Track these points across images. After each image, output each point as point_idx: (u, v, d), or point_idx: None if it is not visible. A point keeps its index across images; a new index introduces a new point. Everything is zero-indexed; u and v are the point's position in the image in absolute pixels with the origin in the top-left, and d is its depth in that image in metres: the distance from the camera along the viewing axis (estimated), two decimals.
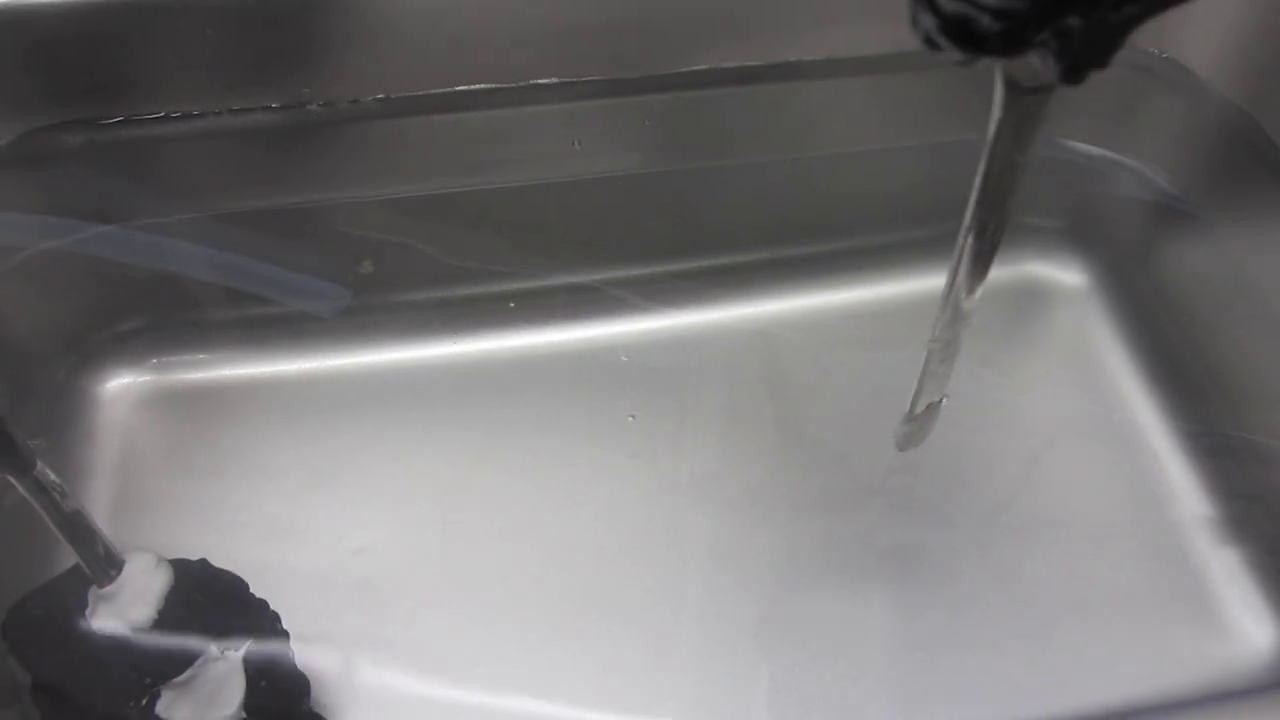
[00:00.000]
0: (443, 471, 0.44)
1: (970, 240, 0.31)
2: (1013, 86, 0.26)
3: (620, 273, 0.49)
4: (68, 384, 0.44)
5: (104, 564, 0.32)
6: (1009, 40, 0.22)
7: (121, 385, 0.45)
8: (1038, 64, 0.23)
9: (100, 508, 0.42)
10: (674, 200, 0.48)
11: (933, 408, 0.36)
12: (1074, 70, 0.23)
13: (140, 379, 0.45)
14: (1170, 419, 0.46)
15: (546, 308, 0.48)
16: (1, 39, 0.38)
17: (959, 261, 0.32)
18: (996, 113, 0.27)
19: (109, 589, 0.32)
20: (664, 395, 0.46)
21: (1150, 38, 0.45)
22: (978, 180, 0.29)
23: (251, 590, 0.36)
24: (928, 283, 0.49)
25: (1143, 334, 0.48)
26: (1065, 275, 0.50)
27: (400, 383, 0.46)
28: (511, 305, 0.48)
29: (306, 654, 0.36)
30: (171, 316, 0.46)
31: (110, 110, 0.41)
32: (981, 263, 0.32)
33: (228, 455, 0.43)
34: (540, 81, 0.43)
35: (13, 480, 0.30)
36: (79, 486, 0.42)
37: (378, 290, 0.47)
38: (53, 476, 0.30)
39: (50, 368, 0.44)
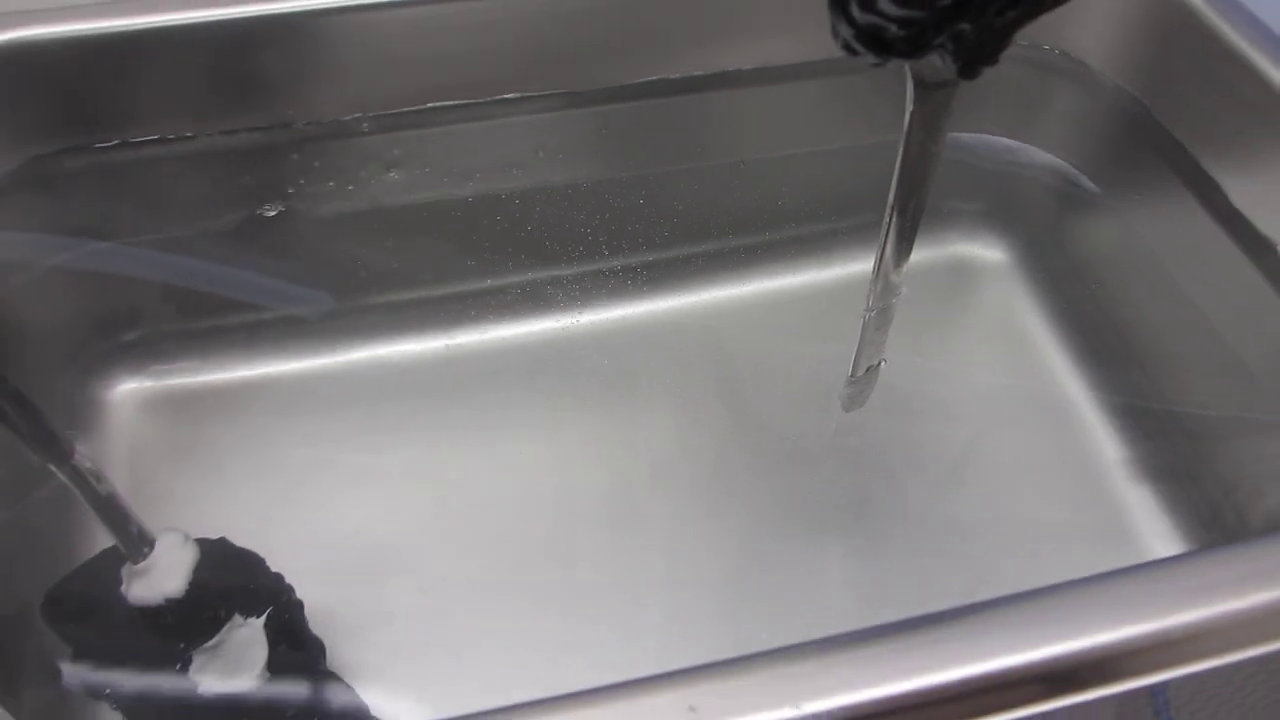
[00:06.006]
0: (428, 457, 0.47)
1: (894, 219, 0.34)
2: (920, 83, 0.30)
3: (581, 269, 0.52)
4: (75, 391, 0.47)
5: (137, 542, 0.35)
6: (912, 44, 0.26)
7: (126, 390, 0.48)
8: (939, 63, 0.27)
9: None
10: (628, 202, 0.52)
11: (872, 371, 0.40)
12: (969, 67, 0.27)
13: (143, 384, 0.48)
14: (1087, 378, 0.51)
15: (516, 304, 0.52)
16: (8, 71, 0.41)
17: (885, 239, 0.35)
18: (909, 106, 0.30)
19: (143, 565, 0.35)
20: (628, 379, 0.50)
21: (1049, 36, 0.49)
22: (897, 166, 0.32)
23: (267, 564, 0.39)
24: (861, 266, 0.53)
25: (1060, 304, 0.53)
26: (988, 253, 0.55)
27: (383, 378, 0.50)
28: (484, 303, 0.52)
29: (319, 621, 0.40)
30: (170, 326, 0.49)
31: (108, 135, 0.44)
32: (905, 239, 0.35)
33: (229, 451, 0.47)
34: (505, 96, 0.47)
35: (53, 468, 0.33)
36: None
37: (360, 293, 0.50)
38: (89, 464, 0.34)
39: (59, 376, 0.47)
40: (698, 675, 0.24)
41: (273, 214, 0.47)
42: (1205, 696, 0.30)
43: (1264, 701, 0.29)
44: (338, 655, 0.40)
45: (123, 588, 0.36)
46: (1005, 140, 0.53)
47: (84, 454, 0.33)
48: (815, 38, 0.46)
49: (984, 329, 0.53)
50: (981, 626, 0.25)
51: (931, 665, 0.24)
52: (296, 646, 0.38)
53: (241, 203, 0.47)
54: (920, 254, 0.51)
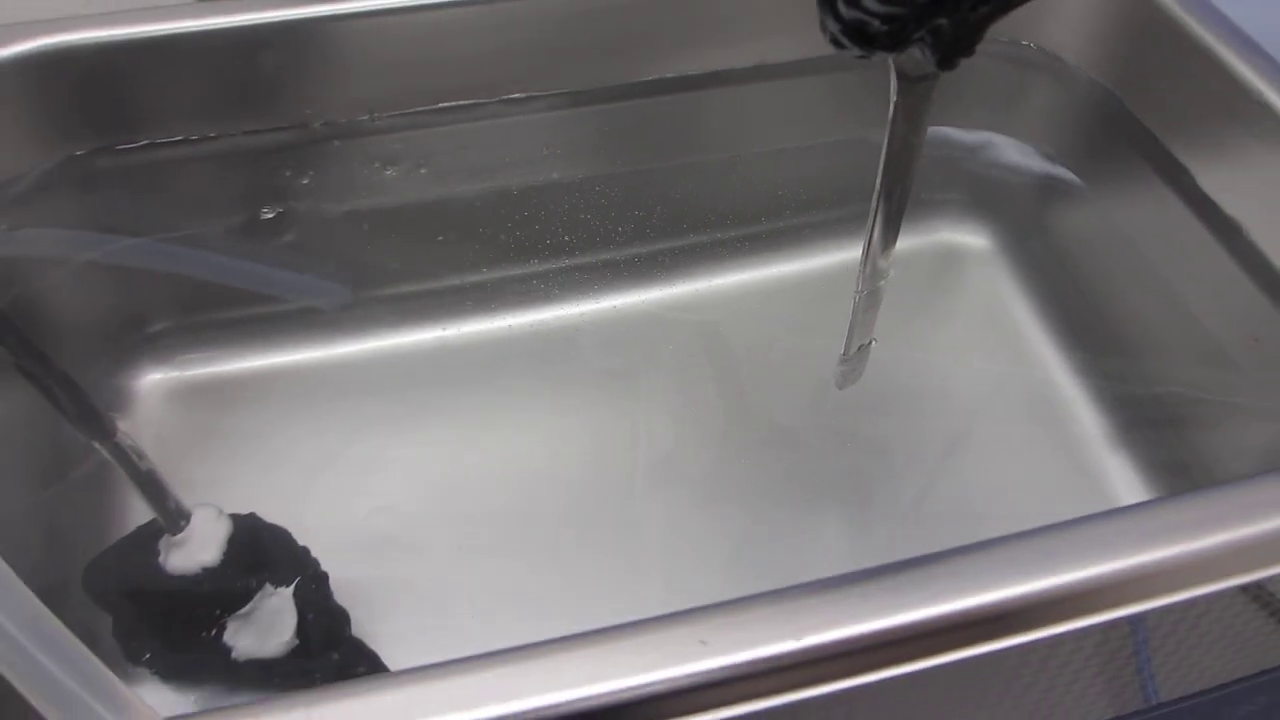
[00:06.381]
0: (439, 440, 0.50)
1: (880, 206, 0.36)
2: (903, 76, 0.32)
3: (584, 260, 0.55)
4: (106, 381, 0.49)
5: (175, 515, 0.37)
6: (894, 38, 0.28)
7: (153, 380, 0.50)
8: (919, 56, 0.30)
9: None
10: (630, 195, 0.54)
11: (863, 349, 0.42)
12: (946, 59, 0.29)
13: (169, 374, 0.50)
14: (1072, 361, 0.53)
15: (523, 294, 0.54)
16: (45, 75, 0.43)
17: (873, 225, 0.37)
18: (893, 98, 0.33)
19: (180, 536, 0.38)
20: (629, 364, 0.53)
21: (1026, 32, 0.51)
22: (883, 155, 0.34)
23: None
24: (850, 254, 0.56)
25: (1043, 288, 0.55)
26: (973, 240, 0.57)
27: (396, 366, 0.52)
28: (492, 294, 0.54)
29: (341, 592, 0.42)
30: (194, 318, 0.51)
31: (137, 136, 0.46)
32: (891, 225, 0.37)
33: (252, 437, 0.49)
34: (513, 96, 0.49)
35: (97, 445, 0.35)
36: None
37: (374, 285, 0.53)
38: (130, 442, 0.36)
39: (91, 366, 0.49)
40: (708, 612, 0.26)
41: (291, 210, 0.49)
42: (1178, 637, 0.32)
43: (1220, 633, 0.31)
44: (360, 623, 0.42)
45: (160, 559, 0.38)
46: (987, 132, 0.55)
47: (125, 433, 0.36)
48: (806, 37, 0.49)
49: (970, 313, 0.55)
50: (967, 566, 0.27)
51: (921, 601, 0.26)
52: (322, 614, 0.40)
53: (262, 200, 0.49)
54: (909, 242, 0.54)
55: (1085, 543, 0.27)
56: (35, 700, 0.22)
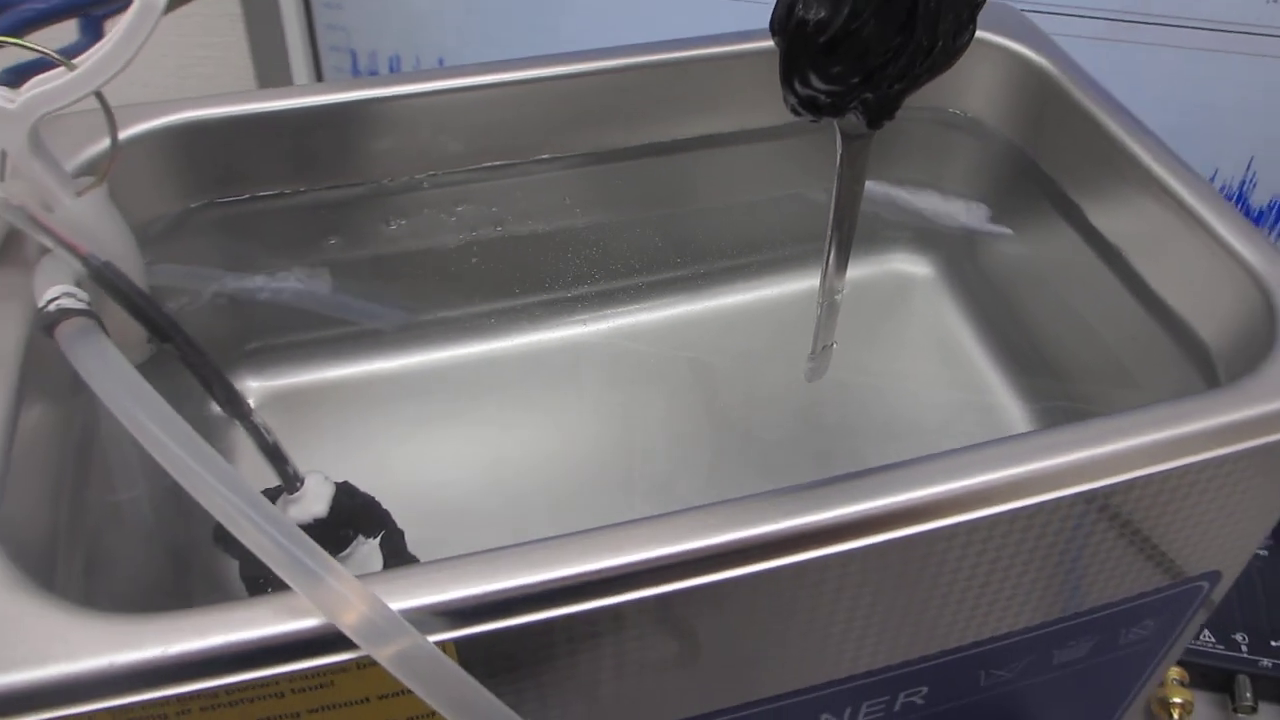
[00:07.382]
0: (484, 435, 0.60)
1: (834, 234, 0.46)
2: (845, 135, 0.42)
3: (599, 288, 0.65)
4: None
5: (293, 478, 0.47)
6: (835, 108, 0.37)
7: (252, 388, 0.61)
8: (855, 120, 0.40)
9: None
10: (636, 237, 0.65)
11: (826, 349, 0.52)
12: (874, 122, 0.39)
13: (265, 383, 0.61)
14: (1001, 365, 0.63)
15: (548, 317, 0.65)
16: (177, 143, 0.55)
17: (828, 249, 0.47)
18: (839, 152, 0.42)
19: (296, 495, 0.48)
20: (635, 373, 0.63)
21: (953, 102, 0.62)
22: (833, 196, 0.44)
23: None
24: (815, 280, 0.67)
25: (977, 311, 0.66)
26: (918, 269, 0.68)
27: (446, 376, 0.63)
28: (524, 316, 0.65)
29: (413, 545, 0.52)
30: (283, 338, 0.62)
31: (240, 191, 0.57)
32: (843, 250, 0.47)
33: (332, 431, 0.59)
34: (541, 157, 0.60)
35: (238, 421, 0.46)
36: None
37: (427, 310, 0.64)
38: (262, 420, 0.46)
39: None
40: (705, 507, 0.36)
41: (361, 249, 0.60)
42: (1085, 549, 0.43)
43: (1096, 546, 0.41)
44: None
45: None
46: (923, 186, 0.66)
47: (257, 413, 0.46)
48: (775, 108, 0.58)
49: (916, 326, 0.66)
50: (898, 475, 0.37)
51: (862, 497, 0.37)
52: (401, 562, 0.50)
53: (338, 241, 0.60)
54: (866, 270, 0.66)
55: (980, 458, 0.38)
56: (276, 567, 0.33)
